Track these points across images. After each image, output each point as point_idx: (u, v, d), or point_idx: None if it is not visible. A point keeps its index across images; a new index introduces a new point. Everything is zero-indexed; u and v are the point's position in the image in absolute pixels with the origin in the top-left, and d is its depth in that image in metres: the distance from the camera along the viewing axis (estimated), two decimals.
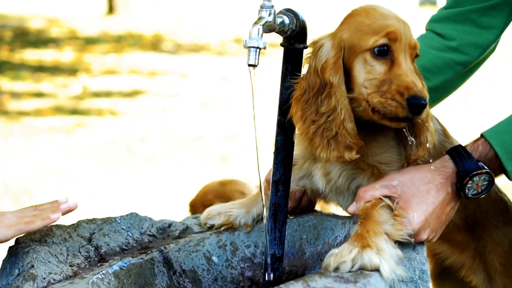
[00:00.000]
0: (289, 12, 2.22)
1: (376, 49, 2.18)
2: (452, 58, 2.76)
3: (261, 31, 2.07)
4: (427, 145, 2.25)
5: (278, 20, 2.16)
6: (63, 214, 2.25)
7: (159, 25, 15.52)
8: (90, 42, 13.63)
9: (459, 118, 8.12)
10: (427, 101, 2.13)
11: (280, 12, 2.20)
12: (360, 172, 2.31)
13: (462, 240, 2.55)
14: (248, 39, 2.05)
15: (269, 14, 2.11)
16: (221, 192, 3.34)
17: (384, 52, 2.17)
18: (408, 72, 2.14)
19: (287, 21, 2.20)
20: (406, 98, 2.11)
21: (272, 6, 2.12)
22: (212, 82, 10.66)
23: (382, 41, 2.17)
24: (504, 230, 2.56)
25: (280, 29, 2.19)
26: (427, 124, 2.25)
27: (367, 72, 2.19)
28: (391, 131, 2.30)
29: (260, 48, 2.04)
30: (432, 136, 2.27)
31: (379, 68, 2.18)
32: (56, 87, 10.21)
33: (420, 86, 2.13)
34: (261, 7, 2.12)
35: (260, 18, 2.10)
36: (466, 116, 8.37)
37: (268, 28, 2.12)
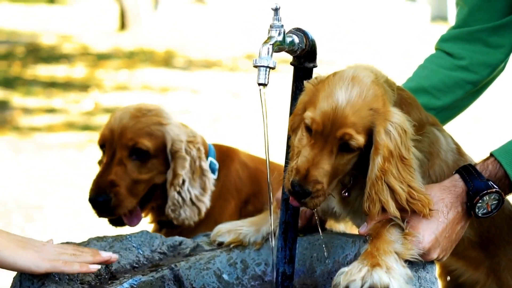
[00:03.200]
0: (298, 31, 2.23)
1: (306, 125, 2.19)
2: (462, 77, 2.77)
3: (270, 50, 2.08)
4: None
5: (288, 40, 2.17)
6: (102, 263, 2.21)
7: (171, 41, 15.57)
8: (102, 58, 13.69)
9: (472, 135, 8.11)
10: (310, 192, 2.11)
11: (290, 32, 2.21)
12: None
13: (476, 257, 2.55)
14: (258, 59, 2.06)
15: (279, 34, 2.12)
16: (138, 129, 2.90)
17: (309, 130, 2.18)
18: (308, 158, 2.13)
19: (296, 40, 2.21)
20: (292, 178, 2.14)
21: (282, 26, 2.13)
22: (224, 98, 10.68)
23: (308, 121, 2.16)
24: None
25: (290, 49, 2.20)
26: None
27: (299, 139, 2.22)
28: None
29: (270, 68, 2.05)
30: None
31: (304, 141, 2.19)
32: (68, 103, 10.24)
33: (310, 177, 2.11)
34: (271, 26, 2.12)
35: (270, 38, 2.11)
36: (479, 134, 8.34)
37: (278, 47, 2.13)
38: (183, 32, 17.02)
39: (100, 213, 2.92)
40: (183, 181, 2.96)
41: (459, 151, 2.47)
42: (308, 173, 2.12)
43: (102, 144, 2.99)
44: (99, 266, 2.16)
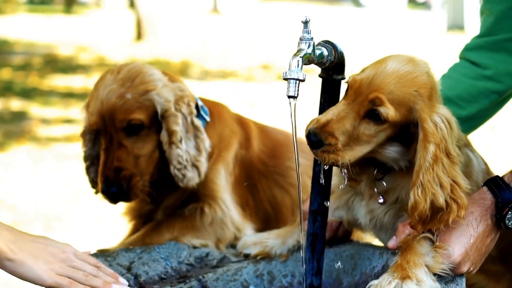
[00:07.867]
0: (327, 44, 2.23)
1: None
2: (487, 86, 2.77)
3: (300, 63, 2.08)
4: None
5: (317, 52, 2.17)
6: None
7: (187, 52, 15.63)
8: None
9: (488, 145, 8.08)
10: (322, 141, 2.08)
11: (319, 44, 2.22)
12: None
13: (497, 270, 2.54)
14: (288, 71, 2.06)
15: (309, 46, 2.12)
16: (128, 107, 2.68)
17: (347, 90, 2.19)
18: (333, 111, 2.13)
19: (325, 52, 2.21)
20: (310, 126, 2.14)
21: (312, 38, 2.13)
22: (240, 108, 10.69)
23: (348, 79, 2.18)
24: None
25: (319, 61, 2.20)
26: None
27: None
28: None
29: (300, 80, 2.05)
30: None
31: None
32: None
33: (327, 128, 2.10)
34: (301, 39, 2.13)
35: (299, 50, 2.11)
36: (495, 144, 8.32)
37: (308, 59, 2.13)
38: (198, 42, 17.08)
39: (116, 201, 2.72)
40: (181, 138, 2.75)
41: (487, 171, 2.46)
42: (327, 124, 2.10)
43: (94, 131, 2.79)
44: None
